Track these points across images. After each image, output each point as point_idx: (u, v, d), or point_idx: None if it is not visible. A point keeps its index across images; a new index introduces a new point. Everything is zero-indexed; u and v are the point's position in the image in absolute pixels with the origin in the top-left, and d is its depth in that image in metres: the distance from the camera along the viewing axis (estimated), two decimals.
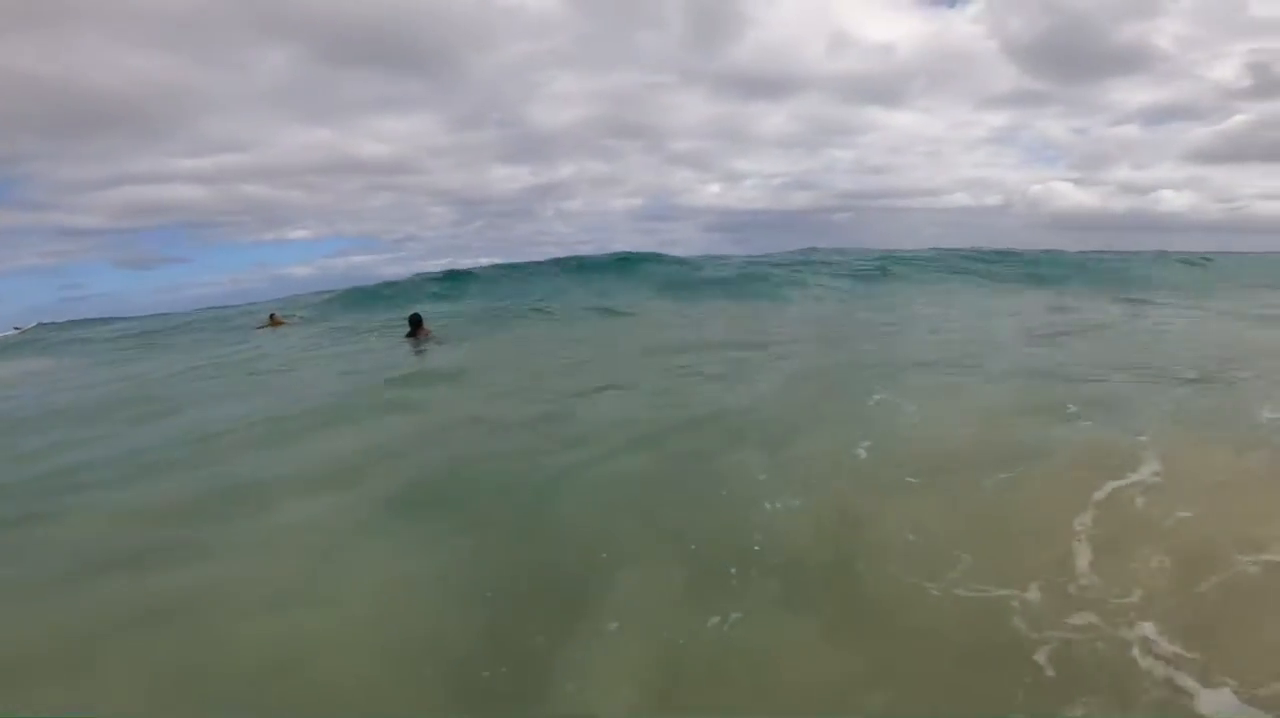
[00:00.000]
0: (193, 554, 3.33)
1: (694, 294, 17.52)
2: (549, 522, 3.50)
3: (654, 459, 4.28)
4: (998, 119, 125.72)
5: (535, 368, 8.41)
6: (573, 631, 2.50)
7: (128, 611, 2.85)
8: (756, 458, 4.09)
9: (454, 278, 23.05)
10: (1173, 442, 3.89)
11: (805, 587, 2.73)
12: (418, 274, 23.71)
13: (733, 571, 2.84)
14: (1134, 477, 3.39)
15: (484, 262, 23.65)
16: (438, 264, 24.33)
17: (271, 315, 18.74)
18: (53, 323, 29.91)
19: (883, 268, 21.60)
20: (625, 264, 22.74)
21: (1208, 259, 27.26)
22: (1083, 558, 2.72)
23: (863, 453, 4.01)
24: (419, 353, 10.11)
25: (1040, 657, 2.21)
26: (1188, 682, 2.05)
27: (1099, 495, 3.21)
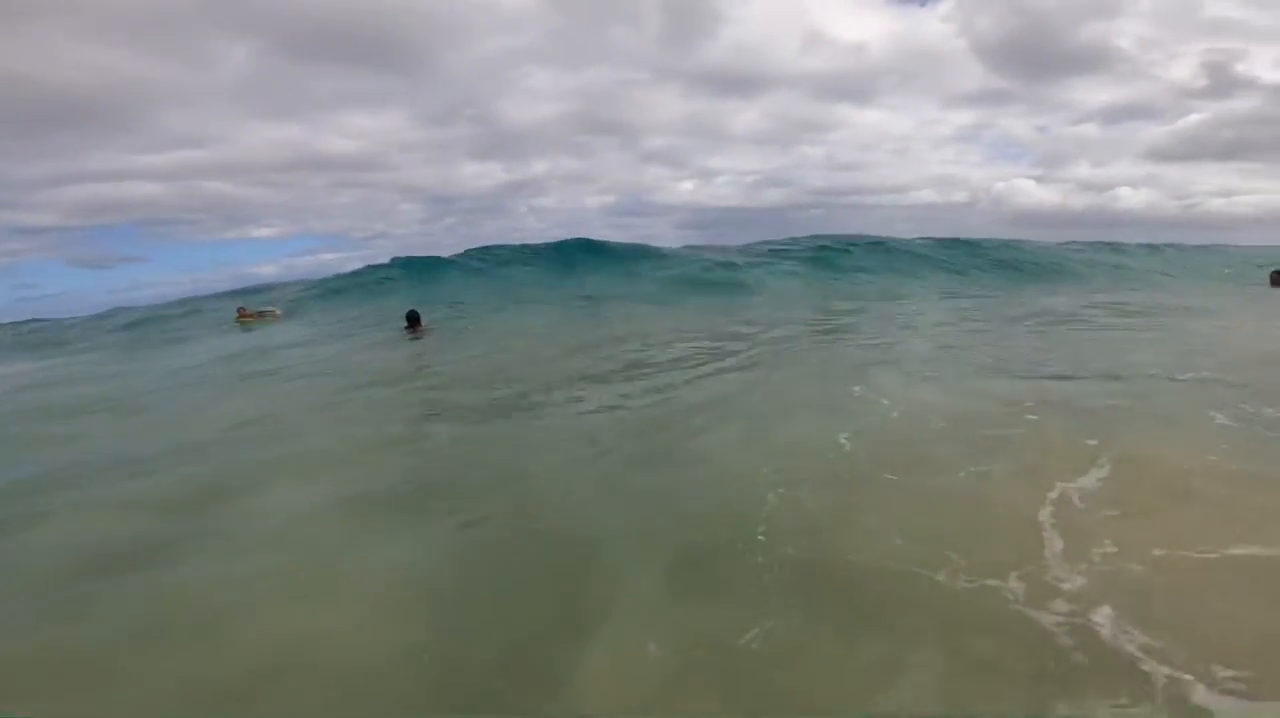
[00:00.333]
0: (191, 553, 3.33)
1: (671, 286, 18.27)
2: (548, 519, 3.54)
3: (656, 454, 4.42)
4: (964, 117, 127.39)
5: (533, 360, 8.89)
6: (572, 630, 2.50)
7: (127, 610, 2.86)
8: (749, 445, 4.41)
9: (426, 265, 22.59)
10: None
11: (805, 585, 2.71)
12: (394, 259, 23.34)
13: (731, 567, 2.86)
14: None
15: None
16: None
17: (240, 309, 17.03)
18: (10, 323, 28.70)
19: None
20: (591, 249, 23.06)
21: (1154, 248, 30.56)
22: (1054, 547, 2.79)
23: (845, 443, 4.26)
24: (417, 347, 10.54)
25: (1029, 646, 2.22)
26: (1187, 678, 2.03)
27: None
